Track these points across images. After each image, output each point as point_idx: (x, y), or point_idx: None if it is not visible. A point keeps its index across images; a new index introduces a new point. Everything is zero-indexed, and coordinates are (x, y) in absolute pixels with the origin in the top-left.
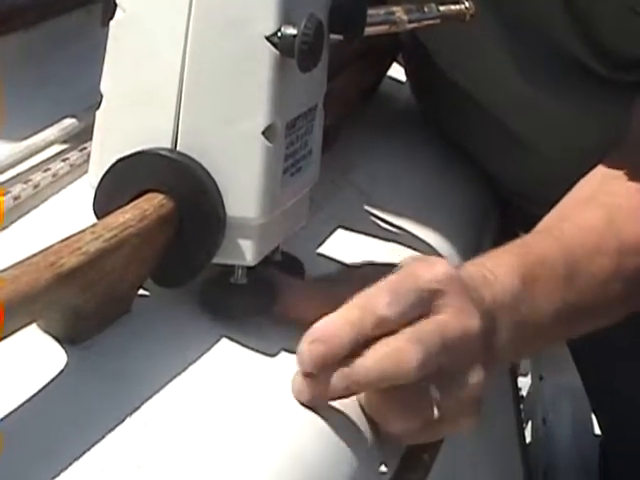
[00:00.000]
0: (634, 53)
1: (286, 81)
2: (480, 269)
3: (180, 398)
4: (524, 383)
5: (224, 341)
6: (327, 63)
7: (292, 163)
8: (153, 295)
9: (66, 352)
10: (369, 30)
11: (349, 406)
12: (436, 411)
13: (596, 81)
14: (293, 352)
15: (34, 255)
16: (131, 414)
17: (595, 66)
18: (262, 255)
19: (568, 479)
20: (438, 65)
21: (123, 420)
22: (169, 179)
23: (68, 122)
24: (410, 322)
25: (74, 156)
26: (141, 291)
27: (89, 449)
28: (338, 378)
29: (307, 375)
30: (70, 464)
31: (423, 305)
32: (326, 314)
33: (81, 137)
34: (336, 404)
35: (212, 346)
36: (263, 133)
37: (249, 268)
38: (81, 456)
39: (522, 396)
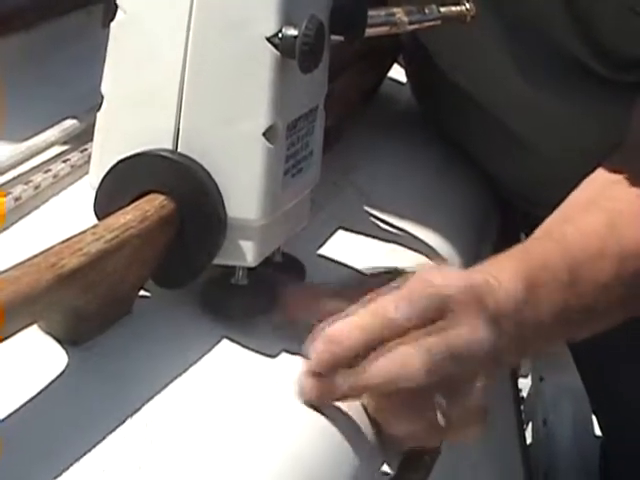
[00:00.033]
0: (634, 53)
1: (287, 82)
2: (484, 275)
3: (181, 399)
4: (525, 384)
5: (225, 342)
6: (328, 64)
7: (293, 164)
8: (154, 296)
9: (67, 353)
10: (370, 31)
11: (350, 407)
12: (441, 418)
13: (596, 81)
14: (294, 353)
15: (35, 256)
16: (132, 415)
17: (595, 66)
18: (263, 256)
19: None
20: (439, 66)
21: (124, 421)
22: (170, 180)
23: (69, 123)
24: (420, 327)
25: (75, 157)
26: (142, 292)
27: (90, 450)
28: (344, 378)
29: (313, 375)
30: (71, 465)
31: (434, 311)
32: (329, 316)
33: (82, 138)
34: (338, 404)
35: (213, 347)
36: (264, 134)
37: (250, 269)
38: (82, 457)
39: (523, 397)
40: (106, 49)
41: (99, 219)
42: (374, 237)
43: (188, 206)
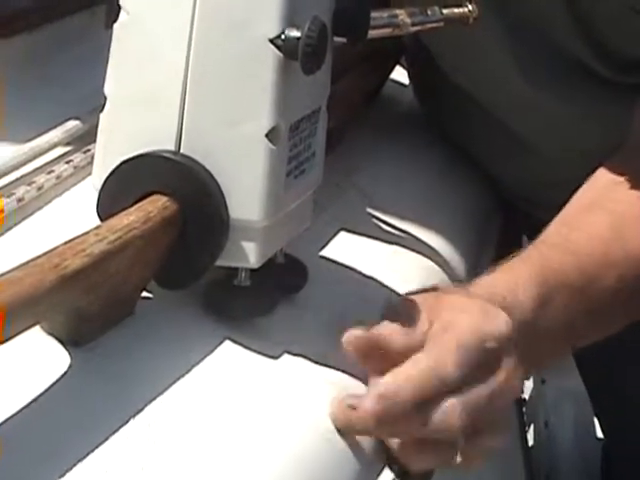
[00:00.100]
0: (635, 54)
1: (290, 83)
2: (500, 291)
3: (184, 400)
4: (526, 386)
5: (227, 343)
6: (331, 66)
7: (295, 165)
8: (157, 297)
9: (70, 354)
10: (372, 33)
11: None
12: (459, 458)
13: (598, 82)
14: (295, 354)
15: (38, 257)
16: (135, 416)
17: (597, 67)
18: (266, 257)
19: None
20: (441, 68)
21: (127, 422)
22: (173, 181)
23: (72, 124)
24: (469, 379)
25: (78, 158)
26: (145, 293)
27: (93, 450)
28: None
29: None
30: (74, 465)
31: (485, 366)
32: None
33: (85, 139)
34: None
35: (215, 348)
36: (267, 135)
37: (253, 270)
38: (85, 457)
39: (524, 399)
40: (109, 50)
41: (102, 220)
42: (376, 238)
43: (191, 207)
